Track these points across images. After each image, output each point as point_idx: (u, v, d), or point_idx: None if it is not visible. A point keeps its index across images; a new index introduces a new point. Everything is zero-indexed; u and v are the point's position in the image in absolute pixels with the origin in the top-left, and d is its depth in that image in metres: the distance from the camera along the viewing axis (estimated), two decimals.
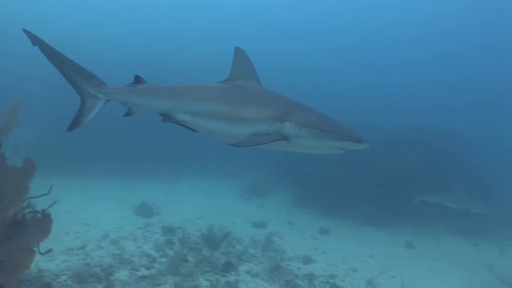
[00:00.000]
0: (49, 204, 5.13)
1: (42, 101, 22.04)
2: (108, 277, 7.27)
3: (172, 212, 13.70)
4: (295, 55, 52.97)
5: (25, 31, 4.85)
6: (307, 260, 10.38)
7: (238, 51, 4.99)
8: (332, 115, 4.77)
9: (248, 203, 17.67)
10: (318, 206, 16.61)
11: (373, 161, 16.99)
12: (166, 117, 5.01)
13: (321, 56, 53.96)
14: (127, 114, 5.45)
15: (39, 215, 4.88)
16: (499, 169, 22.60)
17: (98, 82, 5.30)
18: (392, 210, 15.72)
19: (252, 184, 19.78)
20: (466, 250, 13.72)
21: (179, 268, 8.15)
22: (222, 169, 22.13)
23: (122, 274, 7.65)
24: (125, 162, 19.64)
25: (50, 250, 5.53)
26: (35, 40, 4.87)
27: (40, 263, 7.27)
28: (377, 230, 14.88)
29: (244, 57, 4.99)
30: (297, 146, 4.45)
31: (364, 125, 19.50)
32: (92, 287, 6.73)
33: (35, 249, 4.94)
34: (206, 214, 13.89)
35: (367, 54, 53.51)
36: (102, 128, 21.46)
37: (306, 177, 17.89)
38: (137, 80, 5.43)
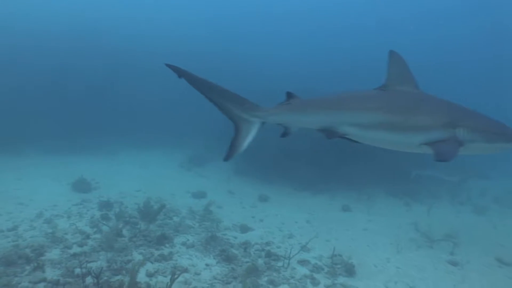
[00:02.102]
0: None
1: None
2: (39, 258, 7.23)
3: (111, 186, 13.60)
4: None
5: (168, 65, 4.55)
6: (244, 229, 10.62)
7: (393, 55, 4.70)
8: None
9: (188, 173, 17.75)
10: (258, 173, 16.89)
11: None
12: (327, 131, 4.61)
13: (258, 22, 53.94)
14: (285, 134, 4.98)
15: None
16: None
17: (250, 105, 4.84)
18: (330, 175, 16.17)
19: (193, 154, 19.80)
20: (398, 211, 14.43)
21: (113, 244, 8.19)
22: (162, 140, 21.98)
23: (53, 253, 7.62)
24: (63, 138, 19.13)
25: None
26: (180, 73, 4.56)
27: None
28: (315, 195, 15.36)
29: (400, 61, 4.71)
30: (467, 149, 4.28)
31: (305, 90, 19.81)
32: (20, 269, 6.68)
33: None
34: (145, 186, 13.89)
35: (308, 21, 53.81)
36: (38, 105, 20.88)
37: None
38: (290, 96, 4.97)
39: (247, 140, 4.84)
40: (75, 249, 7.95)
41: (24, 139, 18.11)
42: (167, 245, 8.69)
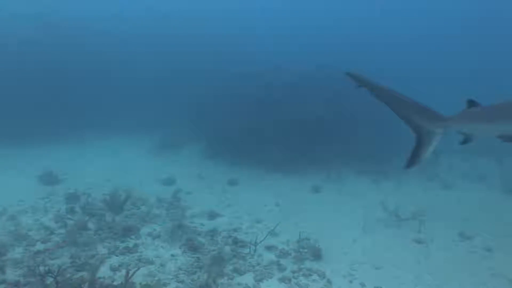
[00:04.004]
0: None
1: None
2: (0, 258, 7.14)
3: (79, 177, 13.41)
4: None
5: (348, 74, 4.49)
6: (213, 215, 10.61)
7: None
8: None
9: (158, 159, 17.50)
10: (228, 157, 16.83)
11: (280, 108, 17.26)
12: None
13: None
14: (465, 142, 4.81)
15: None
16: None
17: (432, 114, 4.73)
18: (301, 156, 16.17)
19: (164, 139, 19.54)
20: (368, 190, 14.44)
21: (76, 238, 8.11)
22: (132, 127, 21.59)
23: (16, 252, 7.54)
24: (30, 129, 18.62)
25: None
26: (361, 82, 4.50)
27: None
28: (285, 177, 15.32)
29: None
30: None
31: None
32: None
33: None
34: (114, 175, 13.79)
35: None
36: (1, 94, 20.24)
37: (217, 128, 17.99)
38: (471, 104, 4.72)
39: (429, 150, 4.78)
40: (39, 246, 7.87)
41: None
42: (132, 237, 8.65)
